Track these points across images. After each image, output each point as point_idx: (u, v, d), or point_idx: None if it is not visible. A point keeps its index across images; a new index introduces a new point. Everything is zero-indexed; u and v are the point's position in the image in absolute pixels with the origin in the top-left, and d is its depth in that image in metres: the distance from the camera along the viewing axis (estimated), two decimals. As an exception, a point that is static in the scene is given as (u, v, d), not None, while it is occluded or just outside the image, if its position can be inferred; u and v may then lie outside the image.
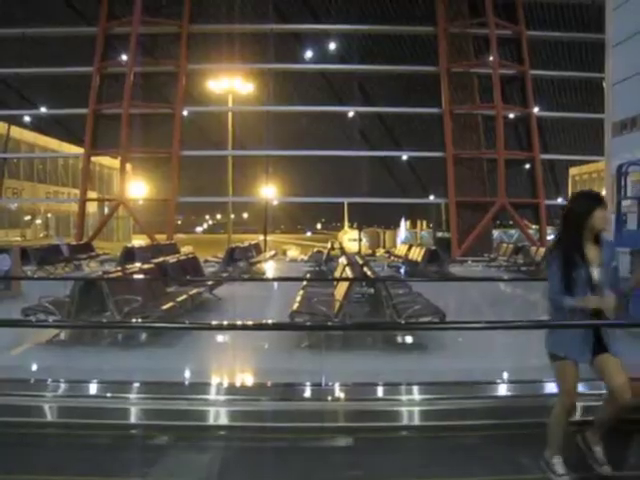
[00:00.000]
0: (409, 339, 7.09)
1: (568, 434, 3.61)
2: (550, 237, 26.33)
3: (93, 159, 26.63)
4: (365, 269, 9.20)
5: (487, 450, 4.04)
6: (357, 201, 27.07)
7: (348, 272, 8.55)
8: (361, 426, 4.45)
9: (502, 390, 4.93)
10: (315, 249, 22.26)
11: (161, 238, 23.25)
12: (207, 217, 75.13)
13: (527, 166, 25.17)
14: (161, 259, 11.04)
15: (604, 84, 12.29)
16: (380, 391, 4.77)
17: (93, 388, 4.79)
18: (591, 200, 3.58)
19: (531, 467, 3.68)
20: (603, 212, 3.53)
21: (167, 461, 3.93)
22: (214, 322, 5.29)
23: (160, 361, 6.05)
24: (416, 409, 4.54)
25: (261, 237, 25.61)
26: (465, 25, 24.37)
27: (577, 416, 4.37)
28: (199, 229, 70.47)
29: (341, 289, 7.53)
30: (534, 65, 24.27)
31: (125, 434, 4.36)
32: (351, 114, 26.16)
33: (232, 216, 30.43)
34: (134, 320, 6.86)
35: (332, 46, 26.66)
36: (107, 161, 33.90)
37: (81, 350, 6.48)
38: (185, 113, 24.83)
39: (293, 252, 25.51)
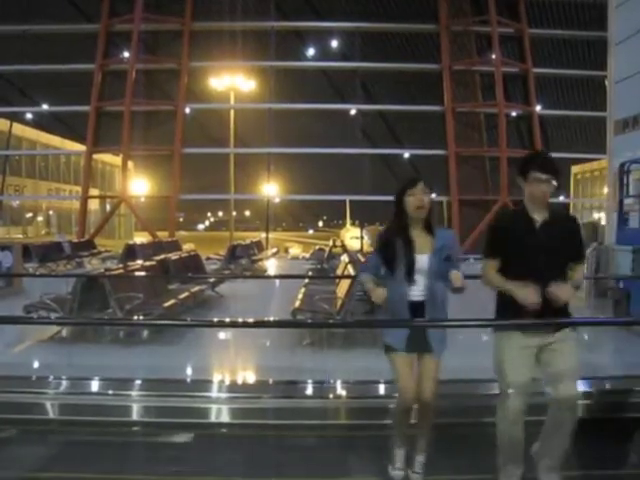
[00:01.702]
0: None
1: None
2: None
3: (95, 156, 26.62)
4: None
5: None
6: (359, 199, 27.04)
7: (350, 270, 8.55)
8: (361, 424, 4.46)
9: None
10: (317, 247, 22.25)
11: (163, 235, 23.25)
12: (209, 215, 75.17)
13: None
14: (163, 256, 11.03)
15: (606, 82, 12.26)
16: (382, 389, 4.77)
17: (95, 385, 4.79)
18: (403, 184, 3.44)
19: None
20: (414, 196, 3.38)
21: (168, 459, 3.94)
22: (216, 319, 5.29)
23: (162, 358, 6.06)
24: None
25: (263, 235, 25.61)
26: (467, 23, 24.32)
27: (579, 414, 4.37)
28: (201, 227, 70.50)
29: (343, 287, 7.53)
30: (536, 63, 24.22)
31: (127, 431, 4.36)
32: (353, 112, 26.10)
33: (234, 214, 30.41)
34: (136, 317, 6.86)
35: (334, 44, 26.61)
36: (109, 158, 33.87)
37: (83, 347, 6.48)
38: (187, 110, 24.82)
39: (295, 250, 25.52)
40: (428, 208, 3.44)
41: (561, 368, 3.17)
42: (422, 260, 3.34)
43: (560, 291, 3.11)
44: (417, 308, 3.37)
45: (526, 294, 3.09)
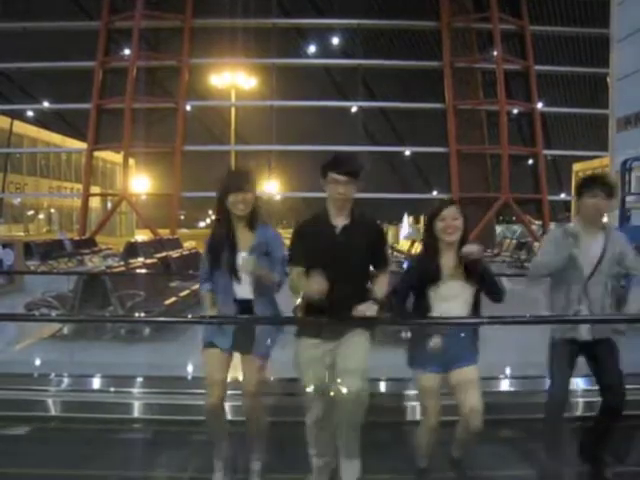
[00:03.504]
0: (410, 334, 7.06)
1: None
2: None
3: (96, 154, 26.65)
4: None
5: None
6: (359, 196, 26.96)
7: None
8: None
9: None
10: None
11: (164, 233, 23.27)
12: (210, 212, 75.21)
13: (530, 162, 25.11)
14: (164, 254, 11.05)
15: (609, 79, 12.25)
16: (382, 386, 4.78)
17: (96, 382, 4.79)
18: (226, 181, 3.32)
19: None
20: (236, 196, 3.22)
21: (168, 457, 3.94)
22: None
23: (163, 356, 6.06)
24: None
25: (264, 232, 25.56)
26: (469, 20, 24.31)
27: (578, 412, 4.36)
28: (202, 224, 70.49)
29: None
30: (538, 60, 24.19)
31: (128, 428, 4.37)
32: (354, 109, 26.11)
33: (235, 211, 30.36)
34: (137, 315, 6.86)
35: (335, 41, 26.61)
36: (110, 156, 33.92)
37: (84, 345, 6.49)
38: (188, 108, 24.82)
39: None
40: (251, 205, 3.32)
41: (347, 364, 3.15)
42: (240, 257, 3.27)
43: (365, 310, 3.06)
44: (245, 306, 3.34)
45: (310, 286, 3.02)
